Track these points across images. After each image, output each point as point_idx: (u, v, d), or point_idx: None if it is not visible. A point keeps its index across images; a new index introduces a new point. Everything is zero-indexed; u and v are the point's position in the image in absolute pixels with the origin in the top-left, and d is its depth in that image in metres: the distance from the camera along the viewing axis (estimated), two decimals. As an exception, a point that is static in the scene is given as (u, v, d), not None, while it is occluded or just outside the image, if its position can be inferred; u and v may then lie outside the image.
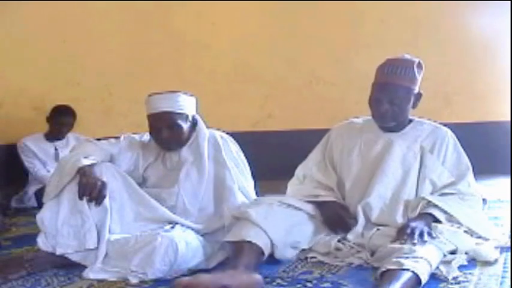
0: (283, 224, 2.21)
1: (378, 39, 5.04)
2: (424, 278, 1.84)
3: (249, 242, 2.08)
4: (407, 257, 1.86)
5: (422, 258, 1.88)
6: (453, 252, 2.06)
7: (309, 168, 2.52)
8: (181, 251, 2.15)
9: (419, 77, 2.35)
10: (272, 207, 2.23)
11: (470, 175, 2.38)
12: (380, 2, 5.03)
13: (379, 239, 2.16)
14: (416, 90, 2.36)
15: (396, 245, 1.98)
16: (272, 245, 2.15)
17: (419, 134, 2.41)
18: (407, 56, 2.38)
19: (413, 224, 2.09)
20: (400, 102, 2.32)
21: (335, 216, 2.32)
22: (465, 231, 2.19)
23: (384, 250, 2.02)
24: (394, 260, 1.87)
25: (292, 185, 2.58)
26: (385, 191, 2.34)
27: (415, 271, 1.82)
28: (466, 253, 2.11)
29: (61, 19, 4.96)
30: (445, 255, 2.01)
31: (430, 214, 2.21)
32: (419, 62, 2.37)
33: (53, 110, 4.47)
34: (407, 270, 1.81)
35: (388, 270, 1.84)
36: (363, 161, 2.42)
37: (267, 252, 2.14)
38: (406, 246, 1.94)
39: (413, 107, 2.39)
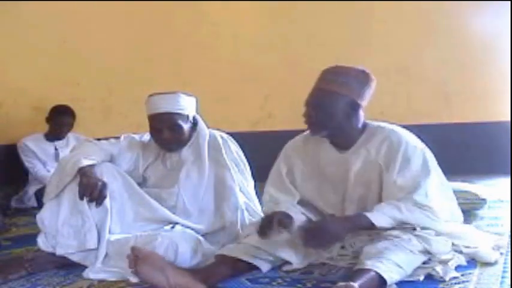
0: None
1: (378, 39, 5.04)
2: (390, 277, 1.84)
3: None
4: (371, 258, 1.88)
5: (390, 260, 1.88)
6: (427, 253, 2.02)
7: (268, 192, 2.33)
8: (181, 251, 2.16)
9: (358, 85, 2.15)
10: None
11: (428, 183, 2.09)
12: (380, 2, 5.02)
13: (358, 243, 2.13)
14: (350, 98, 2.14)
15: (366, 248, 1.97)
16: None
17: (372, 146, 2.18)
18: (355, 66, 2.20)
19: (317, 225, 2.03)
20: (325, 107, 2.14)
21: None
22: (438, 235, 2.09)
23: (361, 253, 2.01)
24: (360, 261, 1.90)
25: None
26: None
27: (378, 270, 1.83)
28: (462, 253, 2.12)
29: (61, 19, 4.95)
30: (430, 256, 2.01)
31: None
32: (362, 71, 2.19)
33: (52, 110, 4.47)
34: (370, 270, 1.83)
35: (354, 271, 1.87)
36: (326, 186, 2.26)
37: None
38: (374, 249, 1.94)
39: (349, 117, 2.16)
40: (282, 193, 2.30)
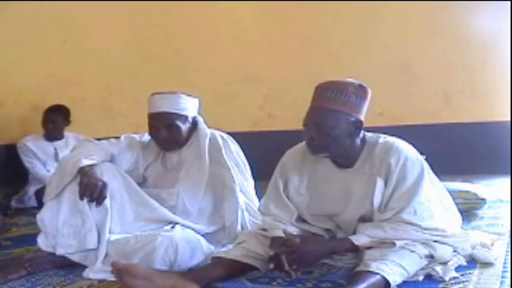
0: None
1: (378, 39, 5.04)
2: (394, 280, 1.83)
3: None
4: (375, 260, 1.87)
5: (394, 262, 1.87)
6: (431, 257, 2.01)
7: (266, 208, 2.25)
8: (181, 251, 2.16)
9: (358, 102, 2.05)
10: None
11: (419, 199, 2.02)
12: (380, 2, 5.03)
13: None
14: (353, 117, 2.05)
15: (369, 250, 1.96)
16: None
17: (373, 163, 2.09)
18: (349, 79, 2.09)
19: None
20: (328, 128, 2.02)
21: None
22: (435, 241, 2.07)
23: (363, 253, 1.99)
24: (364, 262, 1.88)
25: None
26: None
27: (382, 273, 1.82)
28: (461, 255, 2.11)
29: (61, 19, 4.96)
30: (427, 258, 2.00)
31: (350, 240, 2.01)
32: (360, 85, 2.07)
33: (45, 109, 4.46)
34: (374, 272, 1.82)
35: (357, 272, 1.86)
36: (319, 202, 2.19)
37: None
38: (378, 251, 1.93)
39: (353, 136, 2.07)
40: (280, 209, 2.22)
